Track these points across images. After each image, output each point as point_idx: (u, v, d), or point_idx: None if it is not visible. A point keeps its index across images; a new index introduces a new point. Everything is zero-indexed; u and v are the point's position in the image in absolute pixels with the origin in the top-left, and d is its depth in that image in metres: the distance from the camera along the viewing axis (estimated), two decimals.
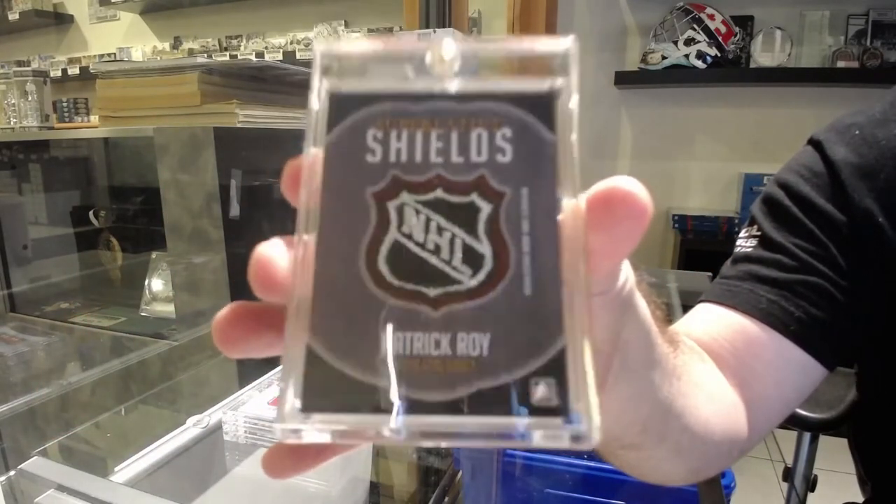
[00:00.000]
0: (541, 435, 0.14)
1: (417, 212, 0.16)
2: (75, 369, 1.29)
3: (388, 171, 0.17)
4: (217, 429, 0.71)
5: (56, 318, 1.39)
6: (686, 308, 0.51)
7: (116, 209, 1.60)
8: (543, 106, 0.17)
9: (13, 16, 3.39)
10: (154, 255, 1.35)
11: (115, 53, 3.42)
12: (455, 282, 0.16)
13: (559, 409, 0.14)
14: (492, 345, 0.15)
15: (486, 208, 0.16)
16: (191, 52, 3.27)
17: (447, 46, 0.18)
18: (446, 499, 0.77)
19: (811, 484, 1.06)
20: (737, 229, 2.23)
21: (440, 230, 0.16)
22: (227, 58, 3.09)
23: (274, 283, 0.16)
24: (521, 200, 0.16)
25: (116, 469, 0.64)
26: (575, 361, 0.15)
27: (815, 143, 0.50)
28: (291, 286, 0.16)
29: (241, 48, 3.16)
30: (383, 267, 0.16)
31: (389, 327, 0.15)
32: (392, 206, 0.16)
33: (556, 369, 0.15)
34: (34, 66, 3.57)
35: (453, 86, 0.17)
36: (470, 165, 0.17)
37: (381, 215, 0.16)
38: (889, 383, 0.54)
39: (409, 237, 0.16)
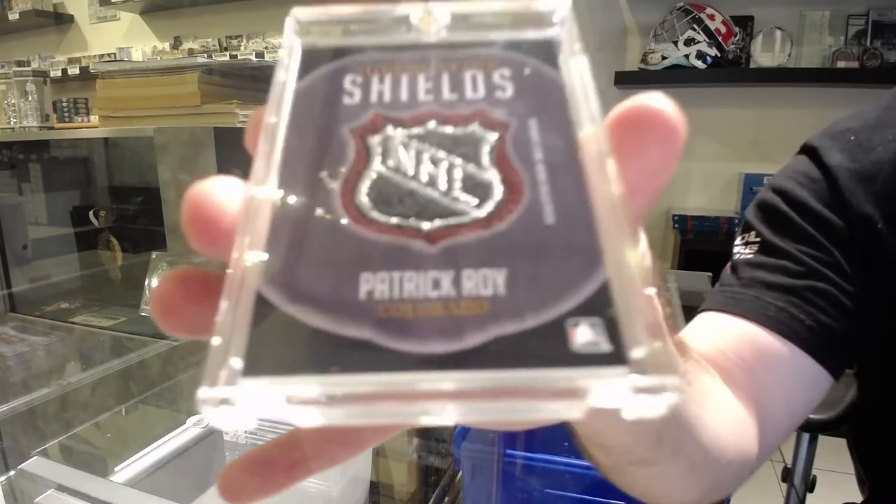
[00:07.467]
0: (598, 391, 0.10)
1: (406, 145, 0.14)
2: (75, 369, 1.29)
3: (369, 109, 0.14)
4: (217, 429, 0.71)
5: (56, 318, 1.39)
6: (686, 308, 0.51)
7: (116, 209, 1.60)
8: (544, 50, 0.15)
9: (13, 16, 3.39)
10: (154, 255, 1.34)
11: (115, 53, 3.42)
12: (456, 213, 0.13)
13: (613, 356, 0.11)
14: (509, 281, 0.12)
15: (489, 137, 0.14)
16: (191, 52, 3.26)
17: (436, 6, 0.16)
18: (446, 499, 0.77)
19: (810, 484, 1.05)
20: (737, 229, 2.22)
21: (435, 161, 0.14)
22: (227, 58, 3.09)
23: (218, 228, 0.13)
24: (530, 129, 0.14)
25: (116, 469, 0.64)
26: (624, 294, 0.11)
27: (808, 150, 0.49)
28: (239, 232, 0.12)
29: (241, 48, 3.16)
30: (363, 200, 0.13)
31: (370, 266, 0.12)
32: (375, 140, 0.14)
33: (600, 305, 0.11)
34: (34, 66, 3.57)
35: (442, 37, 0.16)
36: (466, 101, 0.15)
37: (360, 150, 0.14)
38: (888, 384, 0.54)
39: (396, 170, 0.13)
